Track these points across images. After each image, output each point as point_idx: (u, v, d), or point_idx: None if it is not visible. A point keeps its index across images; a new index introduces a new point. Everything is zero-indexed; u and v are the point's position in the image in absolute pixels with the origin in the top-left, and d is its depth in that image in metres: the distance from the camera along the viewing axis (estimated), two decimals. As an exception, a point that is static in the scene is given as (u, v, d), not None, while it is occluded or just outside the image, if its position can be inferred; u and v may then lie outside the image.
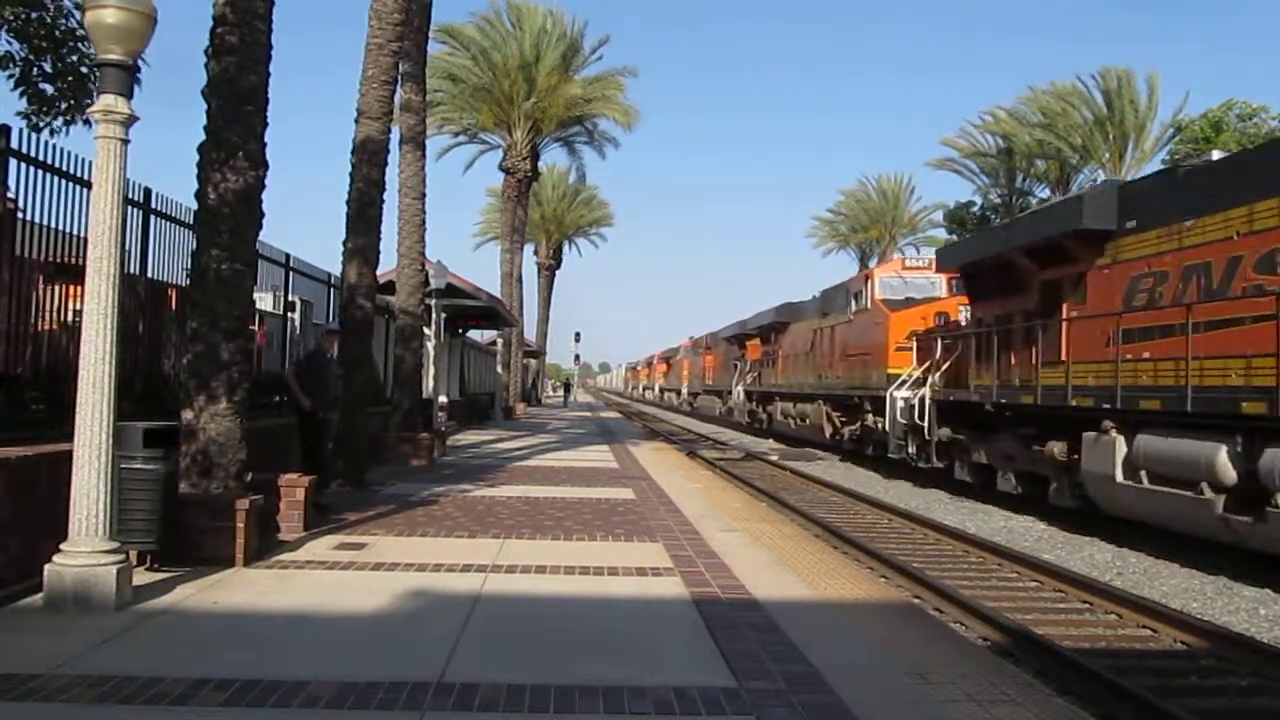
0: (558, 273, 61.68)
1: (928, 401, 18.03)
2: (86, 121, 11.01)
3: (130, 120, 6.00)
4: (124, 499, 6.32)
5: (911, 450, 18.97)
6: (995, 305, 16.76)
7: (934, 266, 21.85)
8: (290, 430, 11.09)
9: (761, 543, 9.19)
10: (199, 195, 7.86)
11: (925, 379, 18.57)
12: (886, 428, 19.66)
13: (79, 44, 10.90)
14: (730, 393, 40.97)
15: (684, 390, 62.90)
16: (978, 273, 17.40)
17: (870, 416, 21.72)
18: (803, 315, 29.48)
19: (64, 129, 11.31)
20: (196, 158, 7.86)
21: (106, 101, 5.94)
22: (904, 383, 19.19)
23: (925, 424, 17.99)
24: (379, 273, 14.62)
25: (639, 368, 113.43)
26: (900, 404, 19.03)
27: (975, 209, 49.66)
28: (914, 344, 19.88)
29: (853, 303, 23.98)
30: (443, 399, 21.44)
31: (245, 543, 7.22)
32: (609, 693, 4.53)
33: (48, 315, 8.13)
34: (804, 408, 27.51)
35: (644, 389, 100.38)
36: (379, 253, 13.99)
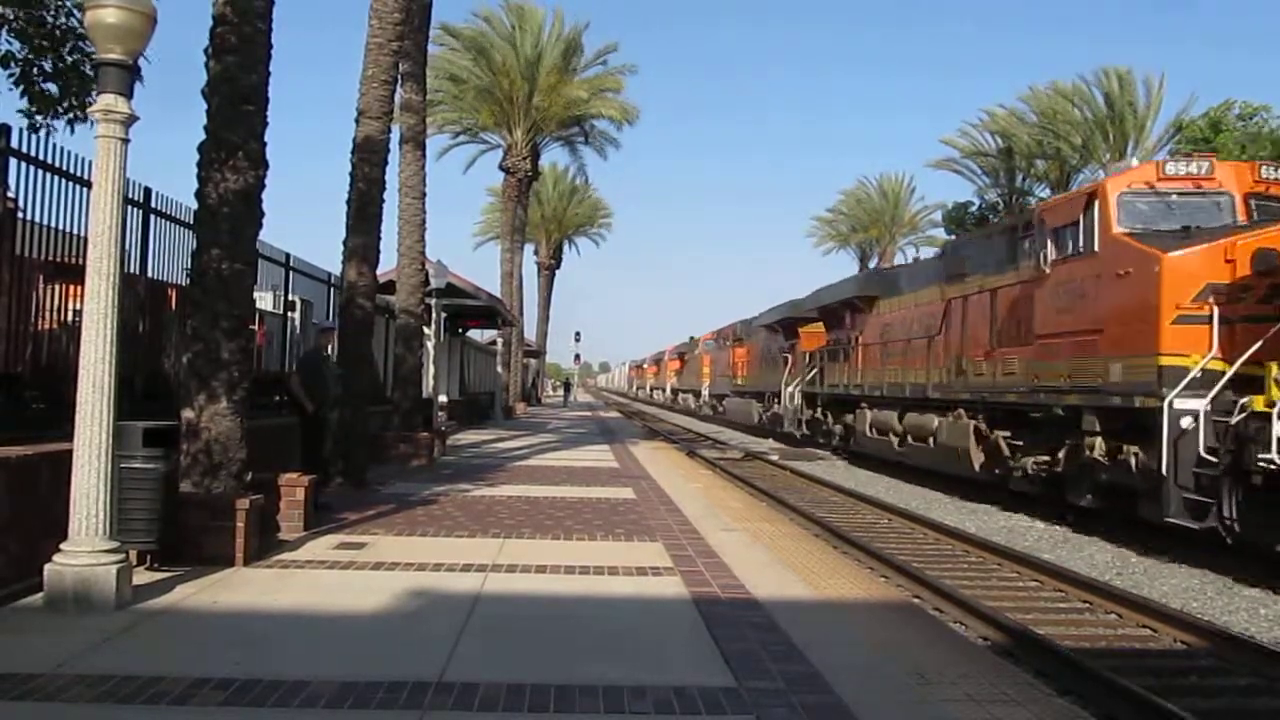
0: (558, 272, 61.83)
1: None
2: (85, 119, 11.00)
3: (130, 120, 6.00)
4: (124, 499, 6.32)
5: (1229, 512, 10.12)
6: None
7: (1216, 173, 12.73)
8: (290, 430, 11.10)
9: (761, 542, 9.19)
10: (199, 195, 7.86)
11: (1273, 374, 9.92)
12: (1161, 468, 10.83)
13: (80, 43, 10.90)
14: (775, 395, 31.51)
15: (705, 392, 51.52)
16: None
17: (1097, 443, 12.29)
18: (906, 285, 20.66)
19: (68, 128, 11.31)
20: (196, 158, 7.87)
21: (106, 101, 5.94)
22: (1197, 382, 10.66)
23: None
24: (379, 272, 14.64)
25: (645, 365, 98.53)
26: (1196, 425, 10.52)
27: (974, 209, 49.65)
28: (1213, 309, 10.96)
29: (1047, 247, 13.77)
30: (443, 399, 21.45)
31: (245, 542, 7.23)
32: (609, 692, 4.54)
33: (48, 315, 8.13)
34: (924, 421, 18.07)
35: (652, 389, 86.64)
36: (379, 252, 14.01)
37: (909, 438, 19.12)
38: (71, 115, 11.20)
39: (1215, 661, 7.21)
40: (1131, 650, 7.61)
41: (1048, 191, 44.26)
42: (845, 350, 23.95)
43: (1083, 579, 9.63)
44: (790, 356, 30.04)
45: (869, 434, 21.47)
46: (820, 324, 27.12)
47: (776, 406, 31.27)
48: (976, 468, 15.98)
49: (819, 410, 26.41)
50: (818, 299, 26.95)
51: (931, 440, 17.80)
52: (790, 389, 29.12)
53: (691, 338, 62.85)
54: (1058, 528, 13.65)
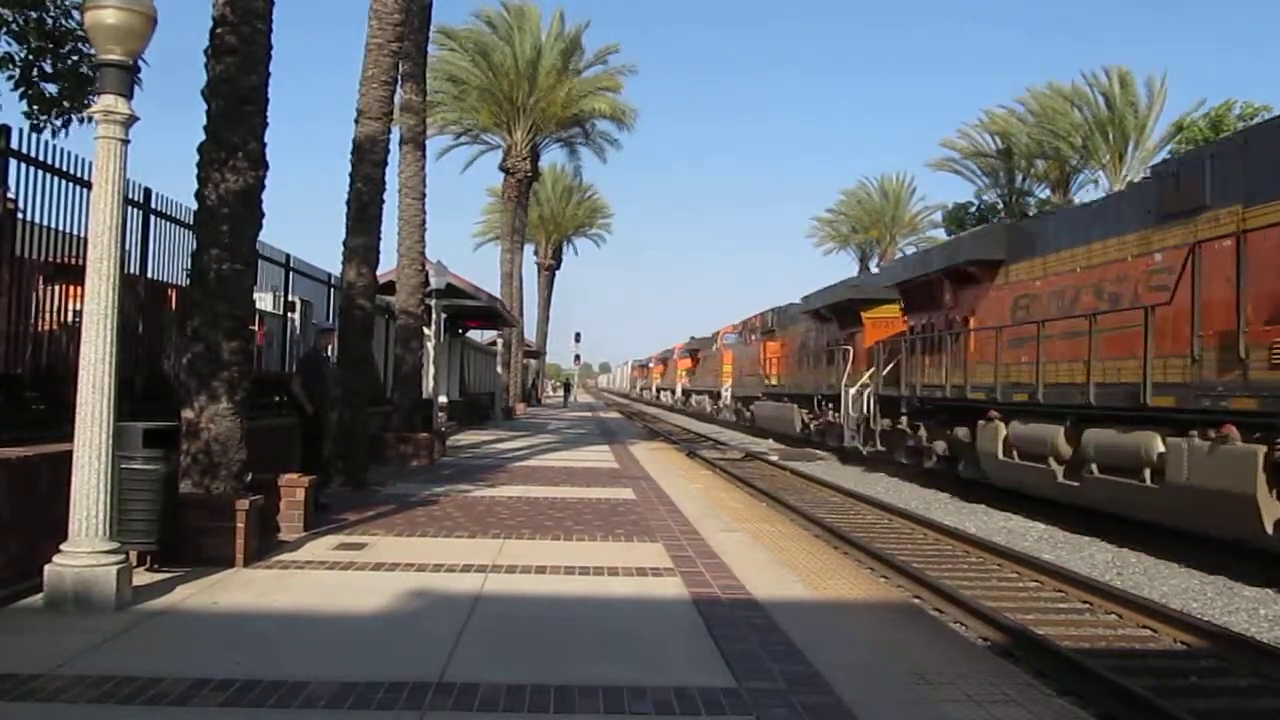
0: (557, 273, 61.85)
1: None
2: (84, 119, 11.01)
3: (130, 120, 6.00)
4: (124, 499, 6.32)
5: None
6: None
7: None
8: (290, 430, 11.10)
9: (761, 543, 9.19)
10: (199, 195, 7.87)
11: None
12: None
13: (78, 44, 10.90)
14: (828, 400, 25.63)
15: (726, 393, 42.92)
16: None
17: None
18: (1060, 238, 14.57)
19: (62, 129, 11.30)
20: (196, 158, 7.87)
21: (106, 102, 5.94)
22: None
23: None
24: (379, 273, 14.63)
25: (651, 364, 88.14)
26: None
27: (974, 209, 49.67)
28: None
29: None
30: (443, 399, 21.46)
31: (245, 543, 7.23)
32: (609, 693, 4.54)
33: (48, 315, 8.13)
34: (1133, 442, 11.75)
35: (659, 391, 78.28)
36: (379, 253, 14.01)
37: (1092, 467, 12.68)
38: (65, 118, 11.20)
39: (1215, 662, 7.21)
40: (1131, 650, 7.61)
41: (1048, 192, 44.29)
42: (948, 337, 17.86)
43: (1083, 579, 9.62)
44: (850, 349, 24.21)
45: (1004, 456, 15.19)
46: (894, 305, 21.64)
47: (831, 413, 25.32)
48: (1269, 528, 9.68)
49: (903, 419, 20.01)
50: (899, 272, 21.64)
51: (1148, 475, 11.45)
52: (856, 391, 22.82)
53: (692, 337, 61.78)
54: (1057, 528, 13.65)
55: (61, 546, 5.84)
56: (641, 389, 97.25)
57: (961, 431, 17.24)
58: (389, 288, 17.52)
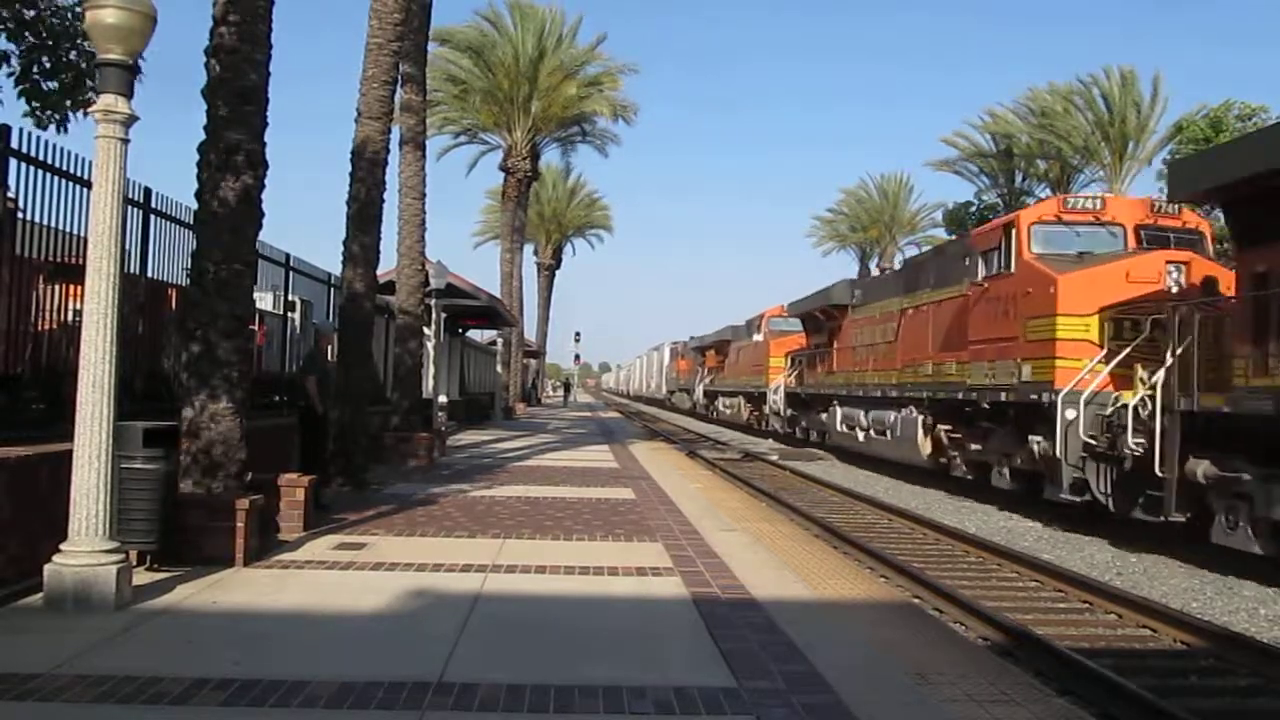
0: (557, 273, 61.85)
1: None
2: (85, 110, 10.99)
3: (130, 120, 6.00)
4: (124, 499, 6.32)
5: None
6: None
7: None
8: (290, 430, 11.09)
9: (761, 542, 9.19)
10: (199, 195, 7.86)
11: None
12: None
13: (80, 40, 10.90)
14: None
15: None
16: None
17: None
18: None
19: (58, 130, 11.29)
20: (196, 157, 7.87)
21: (106, 101, 5.94)
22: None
23: None
24: (379, 273, 14.62)
25: (732, 344, 40.19)
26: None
27: (974, 209, 49.63)
28: None
29: None
30: (443, 399, 21.44)
31: (245, 543, 7.22)
32: (609, 693, 4.54)
33: (48, 315, 8.13)
34: None
35: (768, 400, 31.96)
36: (379, 253, 14.00)
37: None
38: (59, 119, 11.19)
39: (1215, 661, 7.21)
40: (1131, 650, 7.61)
41: (1048, 191, 44.26)
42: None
43: (1082, 579, 9.63)
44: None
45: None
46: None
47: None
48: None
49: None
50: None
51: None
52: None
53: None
54: (1057, 527, 13.65)
55: (61, 546, 5.84)
56: (704, 396, 47.37)
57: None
58: (389, 287, 17.51)
